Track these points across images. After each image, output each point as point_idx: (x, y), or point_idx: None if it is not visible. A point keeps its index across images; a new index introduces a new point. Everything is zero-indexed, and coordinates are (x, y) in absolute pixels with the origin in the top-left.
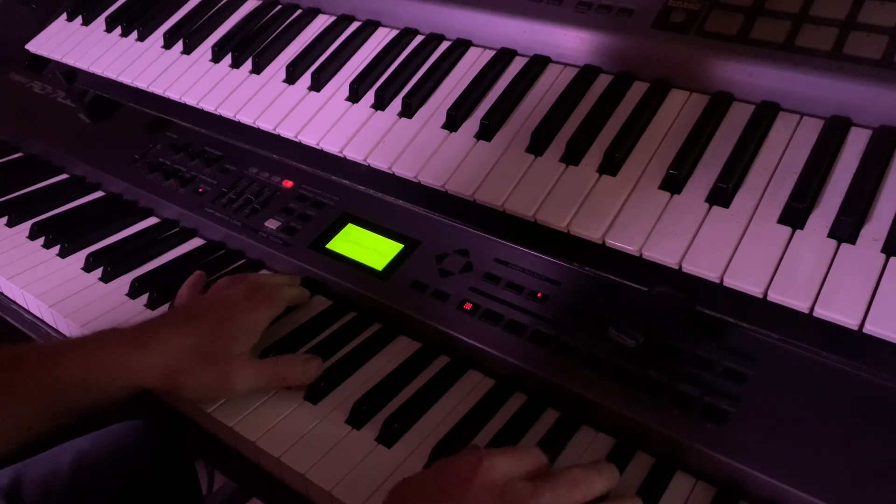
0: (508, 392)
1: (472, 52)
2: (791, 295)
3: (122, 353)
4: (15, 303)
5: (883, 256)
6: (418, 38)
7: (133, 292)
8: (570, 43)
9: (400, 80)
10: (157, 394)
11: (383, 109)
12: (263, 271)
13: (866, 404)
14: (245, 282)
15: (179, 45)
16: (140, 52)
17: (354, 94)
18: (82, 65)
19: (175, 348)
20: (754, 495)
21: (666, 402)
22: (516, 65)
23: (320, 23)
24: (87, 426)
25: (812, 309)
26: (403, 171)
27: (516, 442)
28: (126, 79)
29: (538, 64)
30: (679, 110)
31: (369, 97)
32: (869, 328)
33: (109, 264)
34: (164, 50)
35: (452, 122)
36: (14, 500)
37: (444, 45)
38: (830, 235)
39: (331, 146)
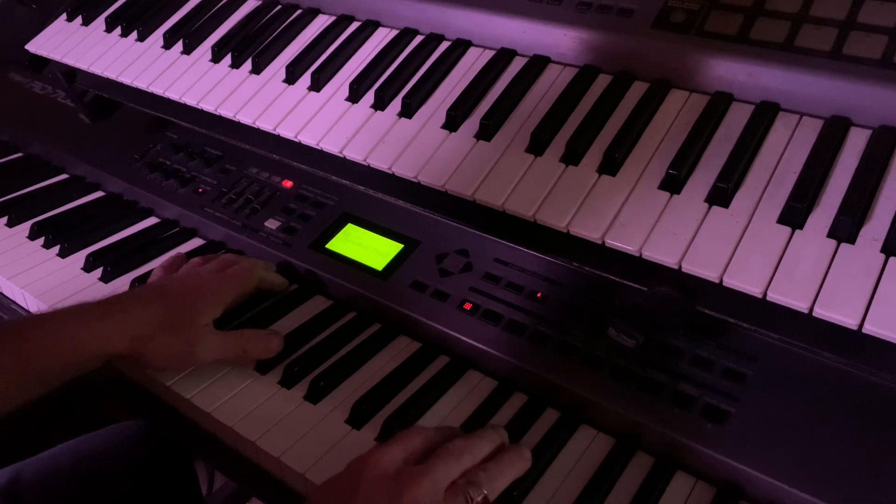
0: (508, 392)
1: (472, 52)
2: (791, 295)
3: (90, 321)
4: (15, 302)
5: (882, 256)
6: (418, 38)
7: None
8: (570, 43)
9: (400, 80)
10: (124, 361)
11: (383, 109)
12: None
13: (866, 404)
14: (217, 259)
15: (179, 46)
16: (140, 52)
17: (354, 94)
18: (82, 65)
19: (141, 317)
20: (754, 495)
21: (666, 402)
22: (516, 65)
23: (320, 23)
24: (87, 426)
25: (812, 309)
26: (403, 171)
27: (517, 443)
28: (126, 79)
29: (538, 64)
30: (679, 110)
31: (369, 97)
32: (868, 328)
33: (109, 264)
34: (163, 50)
35: (452, 122)
36: (13, 499)
37: (444, 45)
38: (830, 235)
39: (331, 146)
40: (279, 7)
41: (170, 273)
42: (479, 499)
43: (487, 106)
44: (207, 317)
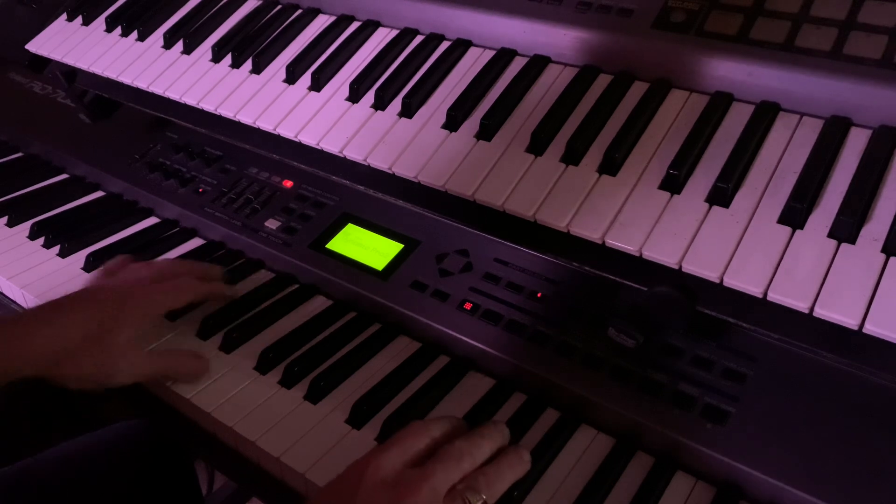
0: (508, 392)
1: (472, 52)
2: (791, 295)
3: (13, 337)
4: (15, 302)
5: (883, 256)
6: (418, 38)
7: None
8: (570, 43)
9: (400, 80)
10: (41, 377)
11: (383, 109)
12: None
13: (866, 404)
14: (153, 267)
15: (179, 45)
16: (140, 52)
17: (354, 94)
18: (82, 65)
19: (64, 331)
20: (754, 495)
21: (666, 402)
22: (516, 65)
23: (320, 23)
24: (87, 426)
25: (812, 309)
26: (403, 171)
27: (517, 443)
28: (126, 79)
29: (538, 64)
30: (679, 110)
31: (369, 97)
32: (869, 328)
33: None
34: (164, 50)
35: (453, 122)
36: (13, 499)
37: (444, 45)
38: (830, 235)
39: (331, 146)
40: (279, 7)
41: (107, 275)
42: (479, 503)
43: (488, 106)
44: (129, 334)
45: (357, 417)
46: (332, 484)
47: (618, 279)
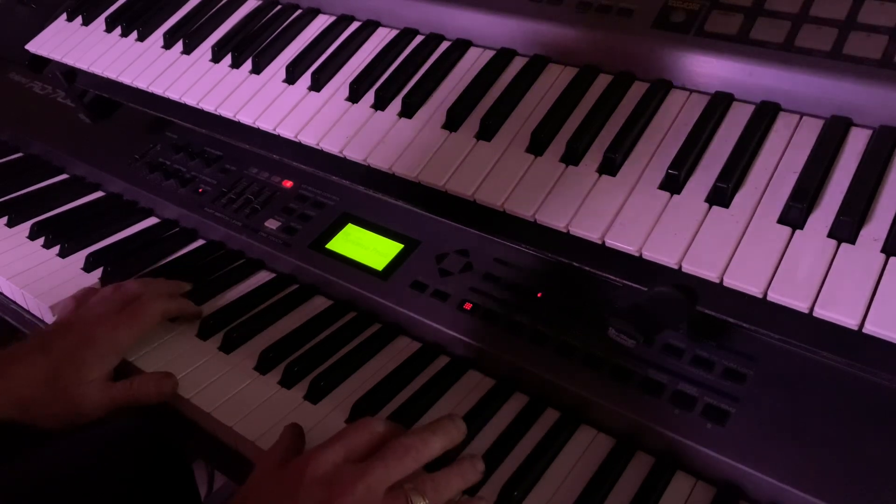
0: (508, 392)
1: (472, 52)
2: (791, 295)
3: None
4: (14, 302)
5: (883, 256)
6: (418, 38)
7: None
8: (570, 43)
9: (400, 80)
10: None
11: (383, 109)
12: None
13: (866, 404)
14: (117, 294)
15: (179, 46)
16: (140, 52)
17: (354, 95)
18: (82, 65)
19: (25, 380)
20: (754, 495)
21: (666, 402)
22: (516, 65)
23: (320, 23)
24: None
25: (812, 309)
26: (403, 171)
27: (517, 442)
28: (126, 79)
29: (538, 64)
30: (679, 110)
31: (369, 97)
32: (869, 328)
33: (109, 264)
34: (164, 50)
35: (453, 121)
36: (12, 499)
37: (444, 45)
38: (830, 235)
39: (331, 146)
40: (279, 7)
41: (73, 306)
42: None
43: (487, 106)
44: (99, 370)
45: (357, 417)
46: (272, 476)
47: (618, 279)
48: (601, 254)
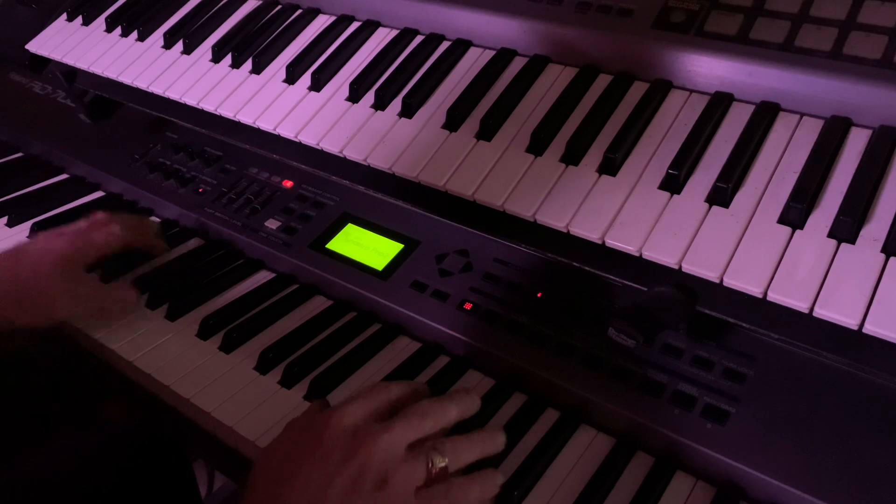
0: (508, 392)
1: (472, 52)
2: (791, 295)
3: None
4: None
5: (883, 256)
6: (418, 38)
7: None
8: (570, 43)
9: (400, 80)
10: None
11: (383, 109)
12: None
13: (866, 404)
14: (89, 221)
15: (179, 46)
16: (140, 52)
17: (354, 94)
18: (82, 65)
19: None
20: (754, 495)
21: (666, 402)
22: (516, 65)
23: (320, 23)
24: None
25: (812, 309)
26: (403, 170)
27: (517, 442)
28: (126, 79)
29: (538, 64)
30: (679, 110)
31: (369, 97)
32: (869, 328)
33: (109, 264)
34: (164, 50)
35: (453, 122)
36: (12, 499)
37: (444, 45)
38: (830, 235)
39: (331, 146)
40: (279, 7)
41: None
42: (441, 465)
43: (487, 106)
44: (56, 278)
45: None
46: (297, 428)
47: (618, 279)
48: (601, 254)
